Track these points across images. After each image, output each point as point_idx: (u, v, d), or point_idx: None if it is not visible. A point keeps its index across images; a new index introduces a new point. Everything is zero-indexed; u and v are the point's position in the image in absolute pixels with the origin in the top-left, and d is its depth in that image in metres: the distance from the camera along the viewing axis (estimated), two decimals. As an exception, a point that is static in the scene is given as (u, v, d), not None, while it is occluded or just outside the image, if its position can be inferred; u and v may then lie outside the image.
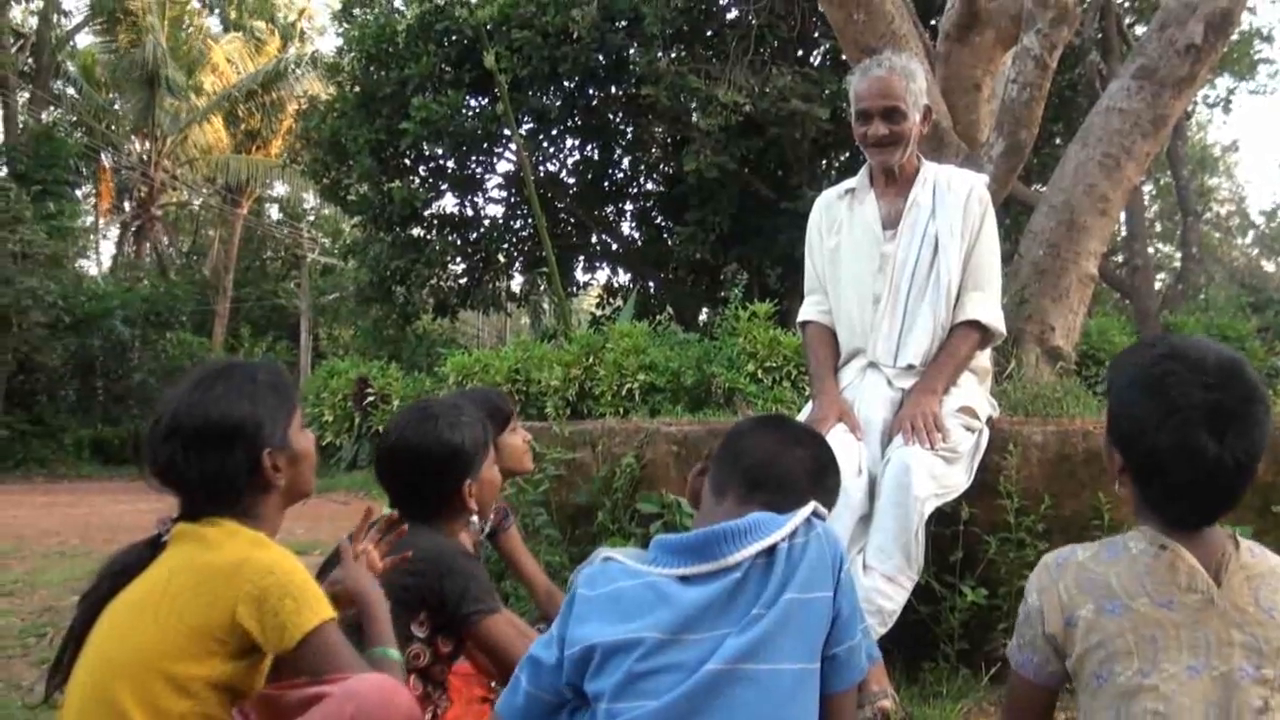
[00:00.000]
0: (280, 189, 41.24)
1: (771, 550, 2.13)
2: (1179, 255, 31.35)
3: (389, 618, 2.73)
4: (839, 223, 4.71)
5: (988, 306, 4.52)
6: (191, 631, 2.36)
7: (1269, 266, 62.05)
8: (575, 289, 26.59)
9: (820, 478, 2.41)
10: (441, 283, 23.84)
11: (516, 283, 26.70)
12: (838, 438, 4.17)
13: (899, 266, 4.52)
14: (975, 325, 4.49)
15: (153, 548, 2.56)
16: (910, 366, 4.45)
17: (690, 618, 2.09)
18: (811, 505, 2.25)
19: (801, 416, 4.50)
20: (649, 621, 2.10)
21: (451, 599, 2.97)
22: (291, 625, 2.36)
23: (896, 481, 4.04)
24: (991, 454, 4.42)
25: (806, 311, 4.81)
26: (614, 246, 24.75)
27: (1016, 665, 2.30)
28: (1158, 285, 24.83)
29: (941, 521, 4.21)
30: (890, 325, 4.51)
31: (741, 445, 2.41)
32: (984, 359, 4.70)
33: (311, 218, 41.60)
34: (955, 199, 4.53)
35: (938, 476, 4.11)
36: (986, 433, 4.43)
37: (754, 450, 2.39)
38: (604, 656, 2.09)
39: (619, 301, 24.74)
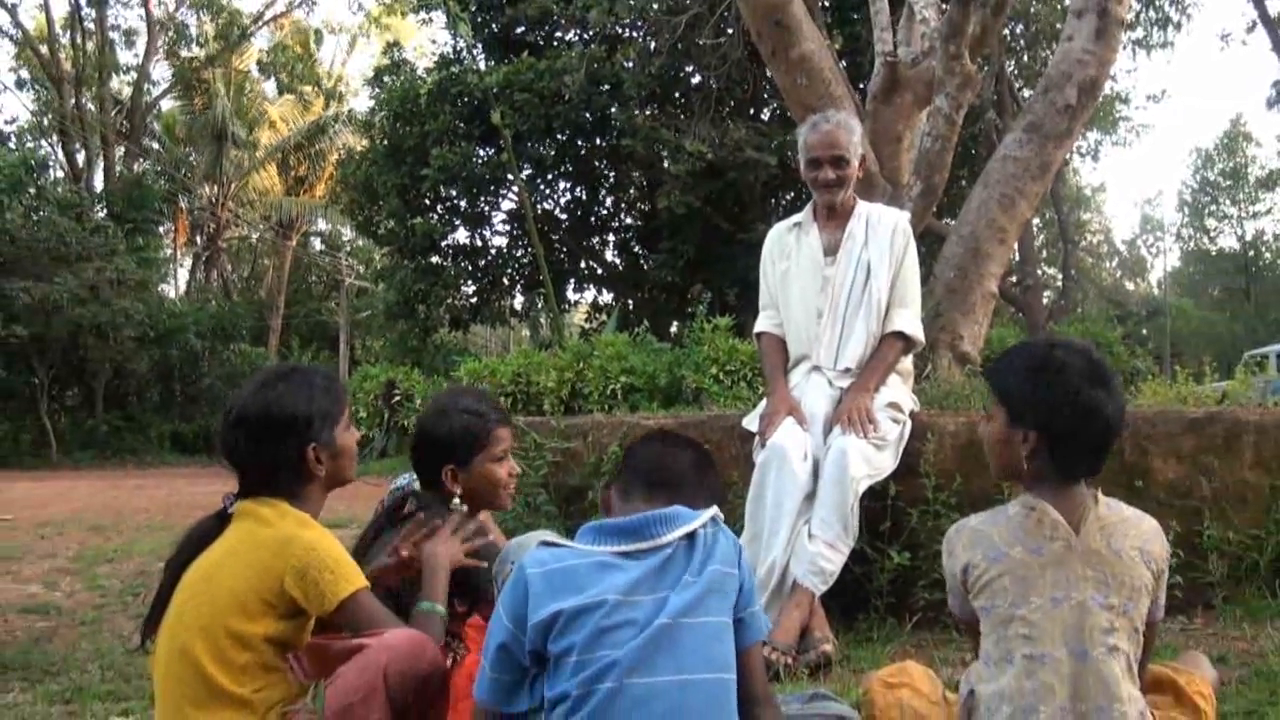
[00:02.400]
0: (323, 225, 41.08)
1: (692, 535, 2.19)
2: (1060, 276, 31.52)
3: (443, 580, 2.73)
4: (788, 250, 4.70)
5: (910, 320, 4.54)
6: (248, 594, 2.36)
7: (1130, 286, 62.55)
8: (567, 306, 26.61)
9: (703, 474, 2.41)
10: (455, 302, 23.80)
11: (518, 301, 26.67)
12: (788, 429, 4.17)
13: (838, 286, 4.52)
14: (900, 335, 4.50)
15: (220, 520, 2.55)
16: (847, 369, 4.46)
17: (637, 582, 2.12)
18: (714, 508, 2.30)
19: (757, 411, 4.49)
20: (604, 587, 2.11)
21: (481, 575, 2.91)
22: (330, 593, 2.37)
23: (836, 465, 4.06)
24: (913, 441, 4.43)
25: (761, 324, 4.80)
26: (599, 271, 24.76)
27: (951, 609, 2.47)
28: (1044, 301, 24.90)
29: (873, 497, 4.20)
30: (830, 335, 4.51)
31: (639, 456, 2.43)
32: (907, 363, 4.72)
33: (348, 248, 41.44)
34: (884, 231, 4.55)
35: (870, 460, 4.13)
36: (909, 424, 4.45)
37: (649, 458, 2.41)
38: (568, 619, 2.09)
39: (604, 317, 24.76)
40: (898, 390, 4.51)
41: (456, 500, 3.01)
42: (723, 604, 2.16)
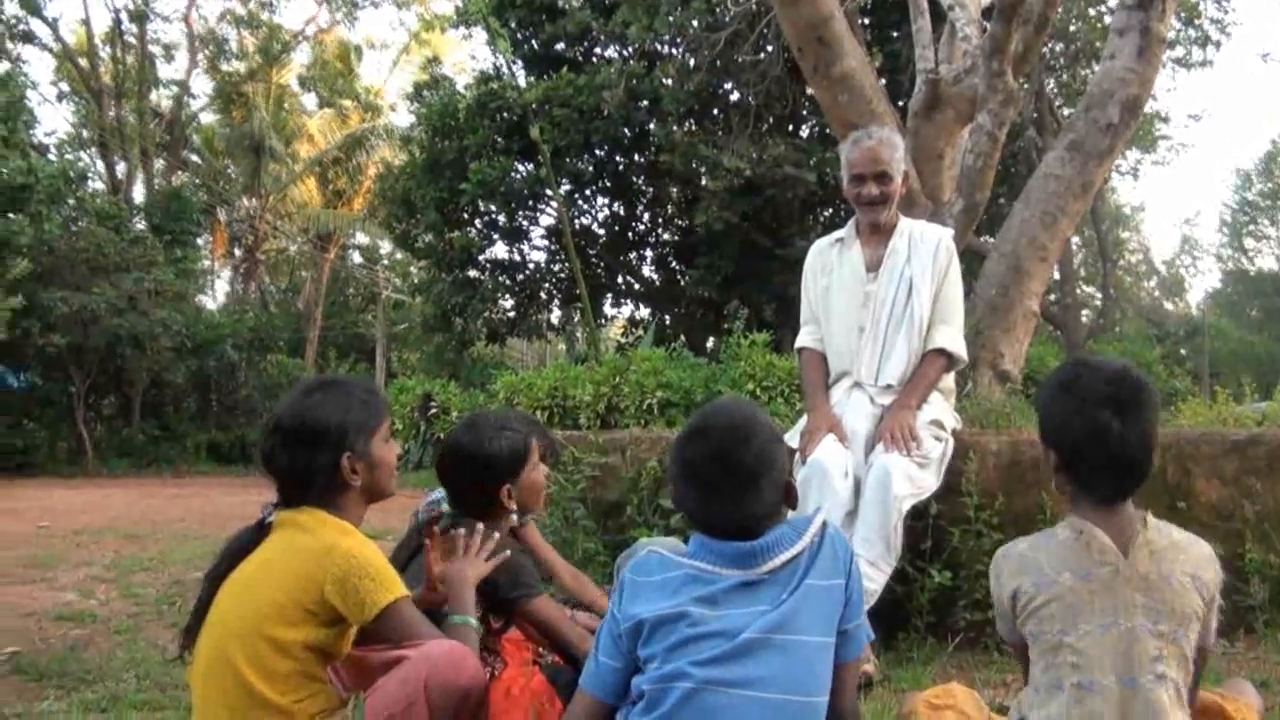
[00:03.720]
0: (361, 238, 41.23)
1: (794, 556, 2.17)
2: (1099, 295, 31.30)
3: (469, 594, 2.72)
4: (830, 266, 4.69)
5: (953, 337, 4.51)
6: (289, 603, 2.36)
7: (1169, 306, 62.05)
8: (604, 321, 26.61)
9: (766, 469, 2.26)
10: (493, 315, 23.80)
11: (555, 315, 26.63)
12: (829, 447, 4.14)
13: (880, 303, 4.50)
14: (942, 353, 4.48)
15: (259, 530, 2.56)
16: (889, 386, 4.43)
17: (726, 596, 2.13)
18: (823, 517, 2.29)
19: (797, 429, 4.46)
20: (692, 597, 2.13)
21: (504, 585, 2.93)
22: (370, 602, 2.36)
23: (879, 483, 4.03)
24: (955, 460, 4.41)
25: (802, 339, 4.79)
26: (636, 286, 24.74)
27: (1000, 632, 2.43)
28: (1083, 320, 24.73)
29: (914, 516, 4.18)
30: (872, 351, 4.49)
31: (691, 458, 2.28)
32: (949, 380, 4.69)
33: (386, 261, 41.62)
34: (927, 248, 4.52)
35: (913, 479, 4.10)
36: (952, 442, 4.42)
37: (703, 459, 2.26)
38: (653, 627, 2.12)
39: (640, 332, 24.73)
40: (940, 408, 4.48)
41: (515, 517, 3.02)
42: (822, 622, 2.14)
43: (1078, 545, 2.22)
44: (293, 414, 2.52)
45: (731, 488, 2.21)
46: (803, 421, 4.51)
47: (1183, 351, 41.69)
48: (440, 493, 3.32)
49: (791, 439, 4.37)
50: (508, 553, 2.94)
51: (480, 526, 2.95)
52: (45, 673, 4.28)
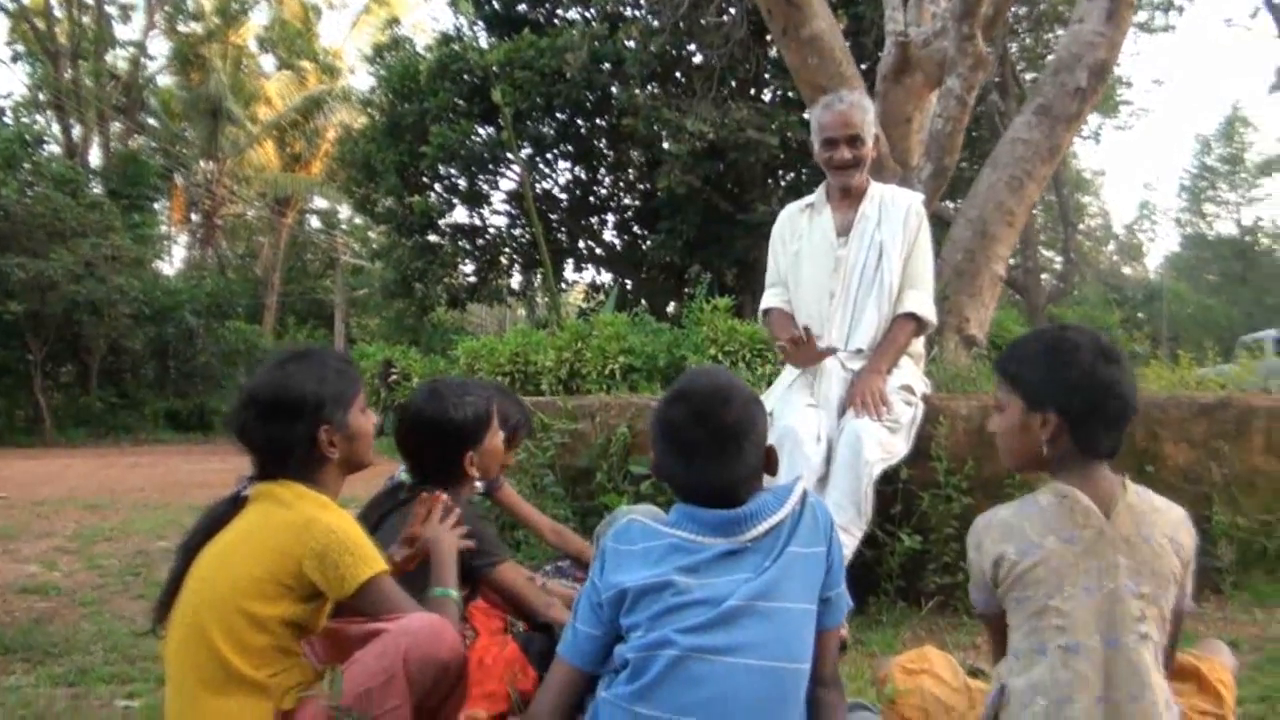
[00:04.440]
0: (319, 202, 40.92)
1: (776, 524, 2.18)
2: (1059, 260, 31.47)
3: (452, 566, 2.72)
4: (800, 231, 4.68)
5: (923, 302, 4.52)
6: (266, 577, 2.32)
7: (1127, 270, 62.62)
8: (565, 286, 26.55)
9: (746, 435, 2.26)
10: (453, 280, 23.73)
11: (516, 281, 26.57)
12: (801, 414, 4.14)
13: (850, 268, 4.50)
14: (912, 317, 4.49)
15: (234, 503, 2.51)
16: (859, 351, 4.44)
17: (709, 565, 2.13)
18: (803, 485, 2.29)
19: (770, 393, 4.46)
20: (675, 566, 2.13)
21: (468, 554, 2.91)
22: (350, 576, 2.33)
23: (850, 448, 4.05)
24: (925, 425, 4.44)
25: (769, 300, 4.78)
26: (598, 251, 24.68)
27: (974, 603, 2.41)
28: (1043, 284, 24.86)
29: (884, 481, 4.19)
30: (842, 316, 4.49)
31: (672, 423, 2.27)
32: (918, 345, 4.71)
33: (345, 226, 41.35)
34: (897, 213, 4.52)
35: (884, 444, 4.11)
36: (922, 407, 4.44)
37: (682, 425, 2.25)
38: (636, 596, 2.13)
39: (602, 297, 24.73)
40: (910, 373, 4.50)
41: (479, 486, 3.00)
42: (804, 589, 2.15)
43: (1061, 509, 2.23)
44: (268, 386, 2.48)
45: (713, 449, 2.21)
46: (777, 383, 4.51)
47: (1140, 315, 42.14)
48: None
49: (766, 403, 4.37)
50: (470, 522, 2.92)
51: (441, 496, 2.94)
52: (11, 646, 4.21)
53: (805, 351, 4.30)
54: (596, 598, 2.21)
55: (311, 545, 2.32)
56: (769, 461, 2.30)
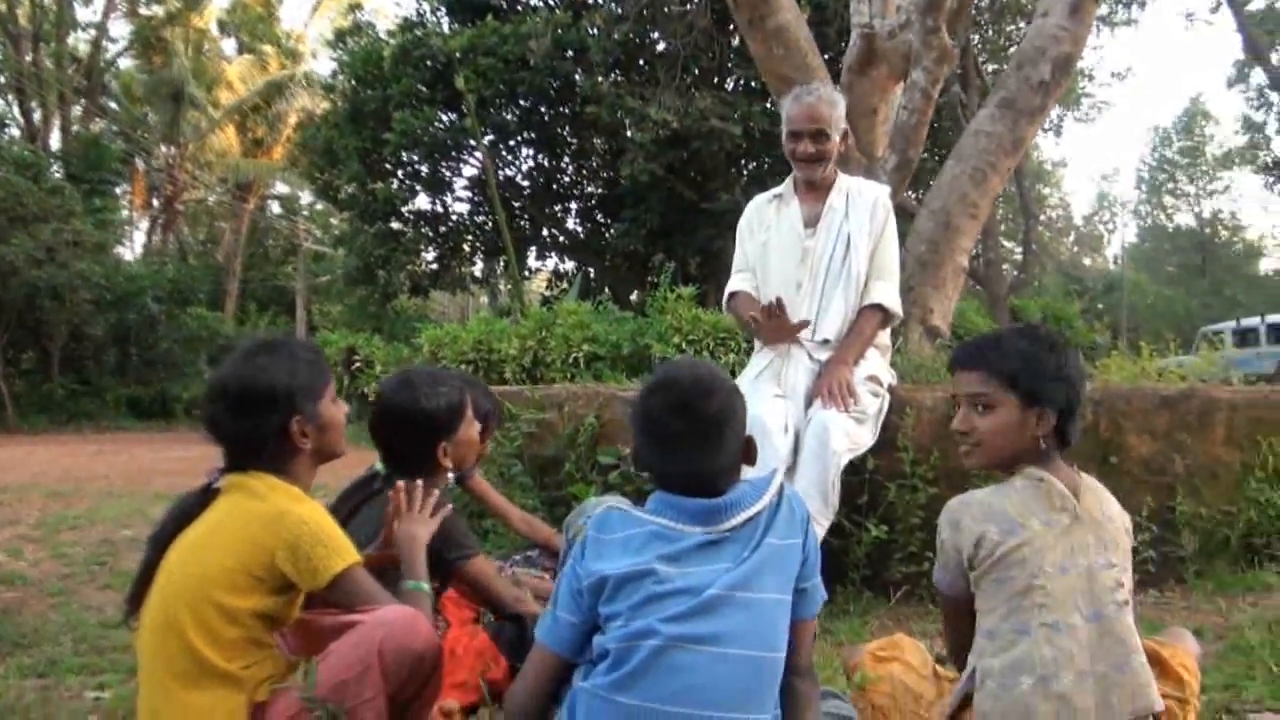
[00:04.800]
0: (281, 188, 40.67)
1: (754, 514, 2.20)
2: (1020, 251, 31.63)
3: (423, 559, 2.70)
4: (768, 222, 4.70)
5: (889, 293, 4.55)
6: (238, 569, 2.32)
7: (1086, 261, 63.11)
8: (528, 274, 26.48)
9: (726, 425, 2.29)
10: (416, 268, 23.66)
11: (478, 268, 26.49)
12: (769, 404, 4.16)
13: (817, 259, 4.52)
14: (879, 309, 4.52)
15: (205, 494, 2.50)
16: (826, 341, 4.46)
17: (689, 554, 2.16)
18: (780, 477, 2.32)
19: (741, 380, 4.46)
20: (656, 555, 2.15)
21: (441, 546, 2.91)
22: (322, 569, 2.33)
23: (817, 439, 4.07)
24: (891, 415, 4.47)
25: (735, 284, 4.78)
26: (561, 239, 24.65)
27: (938, 583, 2.47)
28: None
29: (851, 471, 4.22)
30: (809, 307, 4.51)
31: (653, 412, 2.30)
32: (885, 337, 4.74)
33: (306, 212, 41.11)
34: (865, 204, 4.55)
35: (851, 434, 4.14)
36: (888, 398, 4.47)
37: (663, 414, 2.28)
38: (617, 584, 2.14)
39: (565, 285, 24.69)
40: (877, 364, 4.53)
41: (451, 476, 3.00)
42: (780, 580, 2.19)
43: (1040, 493, 2.31)
44: (238, 378, 2.47)
45: (694, 439, 2.23)
46: (745, 373, 4.53)
47: (1100, 306, 42.46)
48: None
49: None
50: (450, 507, 2.93)
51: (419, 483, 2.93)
52: (-20, 637, 4.20)
53: (776, 325, 4.31)
54: (577, 584, 2.22)
55: (284, 537, 2.32)
56: (748, 452, 2.33)
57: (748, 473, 2.34)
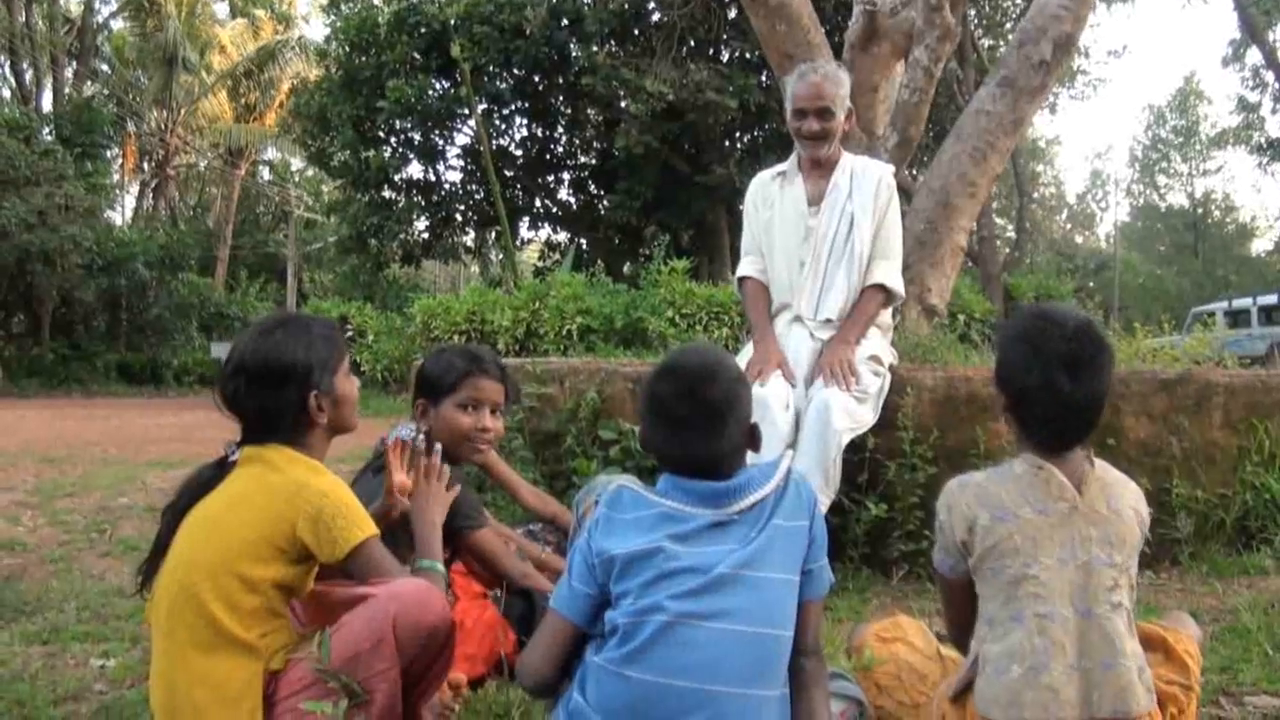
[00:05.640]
0: (273, 154, 40.57)
1: (762, 498, 2.23)
2: (1013, 228, 31.69)
3: (439, 539, 2.76)
4: (772, 200, 4.71)
5: (892, 273, 4.57)
6: (260, 540, 2.35)
7: (1079, 239, 63.14)
8: (520, 244, 26.49)
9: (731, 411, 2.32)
10: (408, 237, 23.68)
11: (470, 238, 26.53)
12: (771, 383, 4.18)
13: (821, 237, 4.53)
14: (881, 288, 4.54)
15: (220, 467, 2.53)
16: (828, 320, 4.48)
17: (698, 535, 2.19)
18: (789, 459, 2.35)
19: (740, 358, 4.49)
20: (666, 535, 2.18)
21: (449, 516, 2.93)
22: (342, 540, 2.36)
23: (819, 418, 4.09)
24: (891, 395, 4.48)
25: (745, 268, 4.81)
26: (554, 209, 24.67)
27: (937, 566, 2.47)
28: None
29: (851, 449, 4.23)
30: (812, 285, 4.53)
31: (661, 397, 2.32)
32: (886, 316, 4.76)
33: (297, 179, 41.00)
34: (868, 183, 4.56)
35: (852, 413, 4.16)
36: (889, 377, 4.49)
37: (671, 398, 2.30)
38: (625, 563, 2.18)
39: (557, 256, 24.71)
40: (878, 343, 4.55)
41: (421, 438, 2.99)
42: (787, 560, 2.22)
43: (1037, 481, 2.29)
44: (256, 354, 2.49)
45: (699, 423, 2.26)
46: (748, 349, 4.55)
47: (1091, 285, 42.55)
48: (406, 429, 3.29)
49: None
50: (458, 487, 2.95)
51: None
52: (-17, 603, 4.21)
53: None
54: (590, 558, 2.25)
55: (305, 509, 2.35)
56: (752, 438, 2.36)
57: (753, 458, 2.37)
